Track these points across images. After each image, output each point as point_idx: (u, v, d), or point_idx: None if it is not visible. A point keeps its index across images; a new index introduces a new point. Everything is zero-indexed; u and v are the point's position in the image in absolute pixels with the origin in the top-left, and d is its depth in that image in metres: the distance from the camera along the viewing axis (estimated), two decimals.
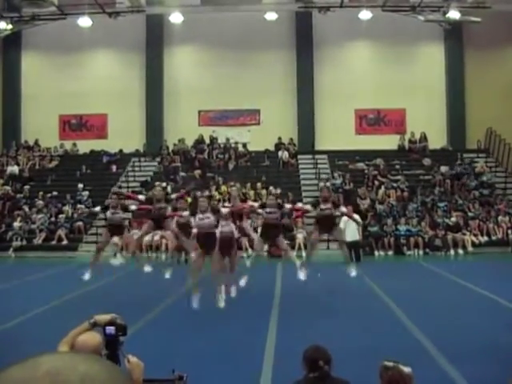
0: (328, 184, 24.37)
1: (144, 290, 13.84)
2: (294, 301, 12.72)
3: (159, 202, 13.99)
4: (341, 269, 14.00)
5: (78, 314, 11.53)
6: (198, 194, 26.18)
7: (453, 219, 24.26)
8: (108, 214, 14.55)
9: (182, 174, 28.58)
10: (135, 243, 15.08)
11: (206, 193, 23.76)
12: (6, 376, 0.94)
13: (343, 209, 14.78)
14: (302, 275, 12.88)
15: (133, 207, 15.05)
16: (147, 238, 19.68)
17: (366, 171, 28.30)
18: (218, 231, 12.45)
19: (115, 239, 15.70)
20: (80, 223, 25.40)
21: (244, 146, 30.66)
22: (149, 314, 11.72)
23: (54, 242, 24.70)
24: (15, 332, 10.45)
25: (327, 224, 13.49)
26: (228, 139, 30.84)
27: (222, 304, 11.90)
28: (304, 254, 23.13)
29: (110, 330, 3.94)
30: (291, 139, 30.83)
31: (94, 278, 16.39)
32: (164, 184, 25.18)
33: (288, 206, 14.34)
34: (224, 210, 12.88)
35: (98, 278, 15.97)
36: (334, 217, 14.21)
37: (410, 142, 30.69)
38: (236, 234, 13.94)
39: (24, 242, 24.66)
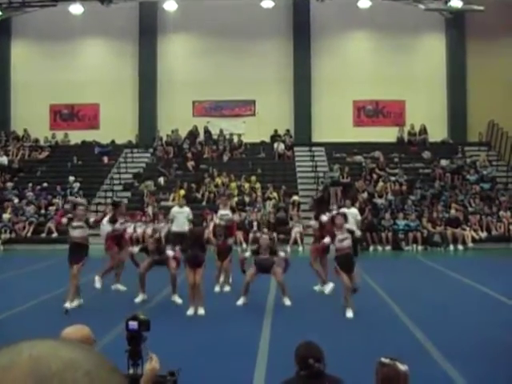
0: (342, 210, 22.96)
1: (135, 285, 13.37)
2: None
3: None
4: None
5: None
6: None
7: (452, 212, 23.74)
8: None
9: (175, 165, 28.01)
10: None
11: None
12: None
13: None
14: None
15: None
16: None
17: (363, 164, 27.80)
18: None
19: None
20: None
21: (239, 137, 30.00)
22: (140, 310, 11.24)
23: (43, 235, 24.15)
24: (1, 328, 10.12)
25: (347, 263, 11.99)
26: (222, 130, 30.20)
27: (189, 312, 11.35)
28: (300, 248, 22.40)
29: (133, 325, 3.93)
30: (287, 131, 30.24)
31: (84, 272, 15.78)
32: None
33: None
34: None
35: (89, 273, 15.38)
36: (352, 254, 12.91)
37: (410, 134, 30.26)
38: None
39: (13, 235, 24.13)
